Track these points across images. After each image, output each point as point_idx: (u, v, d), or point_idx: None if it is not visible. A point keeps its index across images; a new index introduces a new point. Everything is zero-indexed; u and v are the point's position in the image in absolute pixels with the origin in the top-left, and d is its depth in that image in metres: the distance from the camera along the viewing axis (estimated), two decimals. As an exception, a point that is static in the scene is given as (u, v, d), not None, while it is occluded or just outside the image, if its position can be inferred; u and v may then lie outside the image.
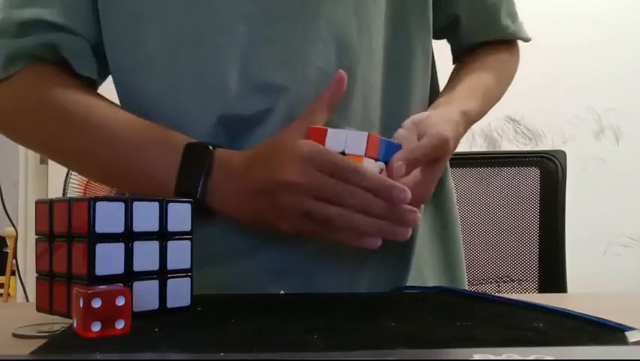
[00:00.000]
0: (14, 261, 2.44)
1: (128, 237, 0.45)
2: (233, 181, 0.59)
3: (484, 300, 0.55)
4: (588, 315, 0.45)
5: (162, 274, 0.47)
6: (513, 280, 1.05)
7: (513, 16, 0.82)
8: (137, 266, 0.45)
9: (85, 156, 0.65)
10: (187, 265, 0.48)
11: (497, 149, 2.46)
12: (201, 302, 0.50)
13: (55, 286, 0.46)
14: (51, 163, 2.69)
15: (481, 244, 1.08)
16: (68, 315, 0.44)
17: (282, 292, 0.63)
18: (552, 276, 1.03)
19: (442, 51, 0.81)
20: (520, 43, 0.87)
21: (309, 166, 0.54)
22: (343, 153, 0.57)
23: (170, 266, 0.47)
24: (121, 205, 0.45)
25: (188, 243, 0.49)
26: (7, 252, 2.91)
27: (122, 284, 0.44)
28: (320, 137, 0.57)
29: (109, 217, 0.44)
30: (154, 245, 0.46)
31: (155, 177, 0.61)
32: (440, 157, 0.63)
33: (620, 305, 0.58)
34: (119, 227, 0.44)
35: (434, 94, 0.75)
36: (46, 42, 0.64)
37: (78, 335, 0.39)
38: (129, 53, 0.66)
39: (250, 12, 0.63)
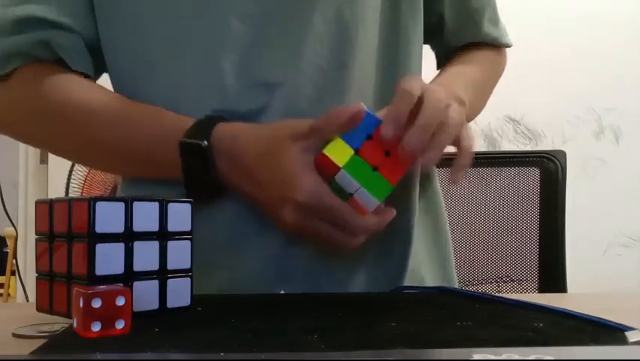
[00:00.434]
0: (14, 261, 2.44)
1: (128, 237, 0.45)
2: (238, 177, 0.60)
3: (484, 300, 0.55)
4: (588, 315, 0.45)
5: (162, 274, 0.47)
6: (513, 280, 1.05)
7: (495, 22, 0.82)
8: (137, 266, 0.45)
9: (86, 143, 0.65)
10: (187, 265, 0.48)
11: (497, 149, 2.46)
12: (201, 302, 0.50)
13: (55, 286, 0.46)
14: (51, 163, 2.69)
15: (481, 244, 1.08)
16: (68, 315, 0.44)
17: (282, 292, 0.63)
18: (552, 276, 1.03)
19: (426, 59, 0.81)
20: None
21: (306, 212, 0.56)
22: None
23: (170, 266, 0.47)
24: (121, 205, 0.45)
25: (188, 243, 0.49)
26: (7, 252, 2.91)
27: (122, 284, 0.44)
28: (330, 168, 0.57)
29: (109, 217, 0.44)
30: (154, 245, 0.46)
31: (158, 169, 0.63)
32: (441, 120, 0.58)
33: (620, 305, 0.58)
34: (119, 227, 0.44)
35: None
36: (40, 39, 0.64)
37: (78, 335, 0.39)
38: (128, 52, 0.66)
39: (249, 11, 0.63)
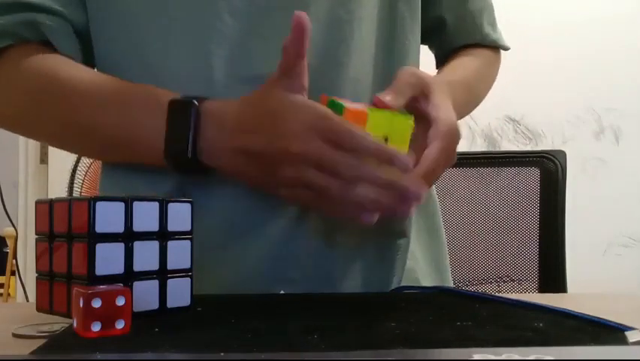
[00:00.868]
0: (14, 261, 2.44)
1: (128, 237, 0.45)
2: (227, 136, 0.57)
3: (484, 300, 0.55)
4: (588, 315, 0.45)
5: (162, 274, 0.47)
6: (513, 280, 1.05)
7: (493, 24, 0.83)
8: (137, 266, 0.45)
9: (70, 127, 0.63)
10: (187, 265, 0.48)
11: (497, 149, 2.46)
12: (201, 302, 0.50)
13: (55, 286, 0.46)
14: (51, 163, 2.69)
15: (481, 244, 1.08)
16: (68, 315, 0.44)
17: (281, 292, 0.63)
18: (552, 276, 1.03)
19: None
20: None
21: (311, 135, 0.53)
22: None
23: (170, 266, 0.47)
24: (121, 205, 0.45)
25: (188, 243, 0.49)
26: (7, 252, 2.91)
27: (122, 284, 0.44)
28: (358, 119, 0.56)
29: (109, 217, 0.44)
30: (154, 245, 0.46)
31: (145, 140, 0.59)
32: (423, 85, 0.61)
33: (620, 305, 0.58)
34: (119, 227, 0.44)
35: None
36: (27, 20, 0.63)
37: (78, 335, 0.39)
38: (117, 45, 0.65)
39: (239, 5, 0.63)
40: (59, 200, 0.46)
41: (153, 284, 0.46)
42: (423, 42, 0.78)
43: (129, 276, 0.45)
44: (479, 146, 2.46)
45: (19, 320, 0.45)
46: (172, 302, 0.47)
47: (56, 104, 0.63)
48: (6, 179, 2.23)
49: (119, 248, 0.44)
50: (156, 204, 0.47)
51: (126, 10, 0.64)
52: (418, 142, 0.60)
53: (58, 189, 2.47)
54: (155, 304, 0.46)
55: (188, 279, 0.48)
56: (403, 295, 0.64)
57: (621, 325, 0.42)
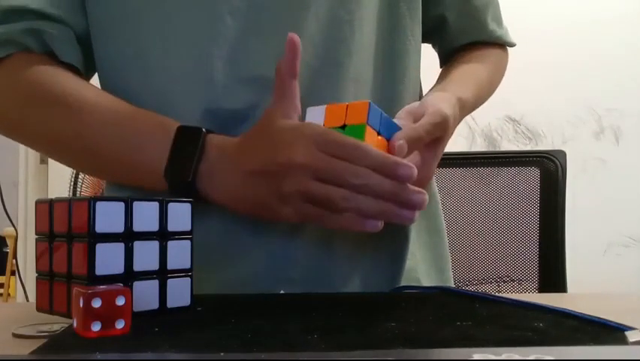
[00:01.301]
0: (14, 261, 2.44)
1: (128, 237, 0.45)
2: (228, 162, 0.57)
3: (484, 300, 0.55)
4: (588, 315, 0.45)
5: (162, 274, 0.47)
6: (513, 280, 1.05)
7: (499, 20, 0.83)
8: (137, 266, 0.45)
9: (72, 142, 0.62)
10: (187, 265, 0.48)
11: (497, 149, 2.46)
12: (201, 302, 0.50)
13: (55, 286, 0.46)
14: (51, 163, 2.69)
15: (481, 244, 1.08)
16: (68, 315, 0.44)
17: (281, 292, 0.63)
18: (552, 276, 1.03)
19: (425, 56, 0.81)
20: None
21: (312, 147, 0.53)
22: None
23: (170, 266, 0.47)
24: (121, 205, 0.45)
25: (188, 243, 0.49)
26: (7, 252, 2.91)
27: (122, 284, 0.44)
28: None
29: (109, 217, 0.44)
30: (154, 245, 0.46)
31: (145, 162, 0.59)
32: (441, 135, 0.62)
33: (620, 305, 0.58)
34: (119, 227, 0.44)
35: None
36: (30, 28, 0.63)
37: (78, 335, 0.39)
38: (117, 46, 0.65)
39: (239, 5, 0.63)
40: (59, 200, 0.46)
41: (153, 284, 0.46)
42: (426, 41, 0.78)
43: (129, 276, 0.45)
44: (479, 146, 2.46)
45: (19, 320, 0.45)
46: (172, 302, 0.47)
47: (59, 119, 0.62)
48: (6, 179, 2.23)
49: (119, 248, 0.44)
50: (156, 204, 0.47)
51: (125, 14, 0.64)
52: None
53: (58, 189, 2.47)
54: (155, 304, 0.46)
55: (188, 279, 0.48)
56: (403, 295, 0.63)
57: (621, 325, 0.42)
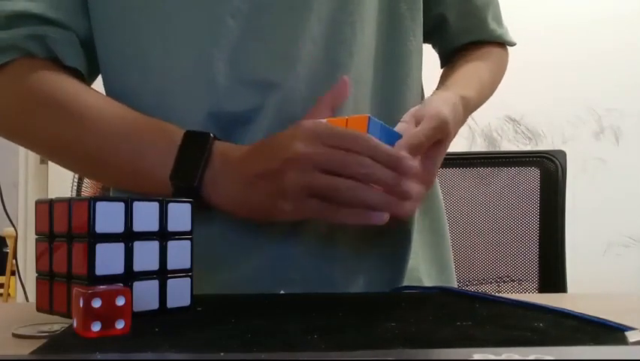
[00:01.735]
0: (14, 261, 2.44)
1: (128, 237, 0.45)
2: (232, 169, 0.57)
3: (484, 300, 0.55)
4: (588, 315, 0.45)
5: (162, 274, 0.47)
6: (513, 280, 1.05)
7: (499, 19, 0.83)
8: (137, 266, 0.45)
9: (74, 148, 0.62)
10: (187, 265, 0.48)
11: (497, 149, 2.46)
12: (201, 302, 0.50)
13: (55, 286, 0.46)
14: (51, 163, 2.68)
15: (481, 244, 1.08)
16: (68, 315, 0.44)
17: (281, 292, 0.63)
18: (552, 276, 1.03)
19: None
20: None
21: (314, 139, 0.53)
22: None
23: (170, 266, 0.47)
24: (121, 205, 0.45)
25: (188, 243, 0.49)
26: (7, 252, 2.90)
27: (122, 284, 0.44)
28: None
29: (109, 217, 0.44)
30: (154, 245, 0.46)
31: (148, 169, 0.59)
32: (442, 138, 0.63)
33: (620, 305, 0.58)
34: (119, 227, 0.44)
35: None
36: (33, 33, 0.63)
37: (78, 335, 0.39)
38: (119, 49, 0.65)
39: (240, 7, 0.63)
40: (59, 200, 0.46)
41: (153, 284, 0.46)
42: (426, 41, 0.78)
43: (129, 276, 0.45)
44: (479, 146, 2.46)
45: (19, 320, 0.45)
46: (172, 302, 0.47)
47: (61, 125, 0.62)
48: (6, 179, 2.23)
49: (119, 248, 0.44)
50: (156, 205, 0.47)
51: (126, 14, 0.64)
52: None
53: (58, 189, 2.47)
54: (155, 304, 0.46)
55: (188, 279, 0.48)
56: (403, 295, 0.63)
57: (621, 325, 0.42)
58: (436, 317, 0.47)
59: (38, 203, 0.48)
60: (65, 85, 0.63)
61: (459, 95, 0.67)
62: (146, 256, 0.46)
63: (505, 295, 0.55)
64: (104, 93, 0.67)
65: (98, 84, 0.68)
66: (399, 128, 0.63)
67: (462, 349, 0.36)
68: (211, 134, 0.59)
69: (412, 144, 0.58)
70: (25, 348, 0.37)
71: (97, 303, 0.39)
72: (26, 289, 2.30)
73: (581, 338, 0.40)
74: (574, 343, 0.39)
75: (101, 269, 0.43)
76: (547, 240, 1.04)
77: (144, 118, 0.62)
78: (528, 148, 2.45)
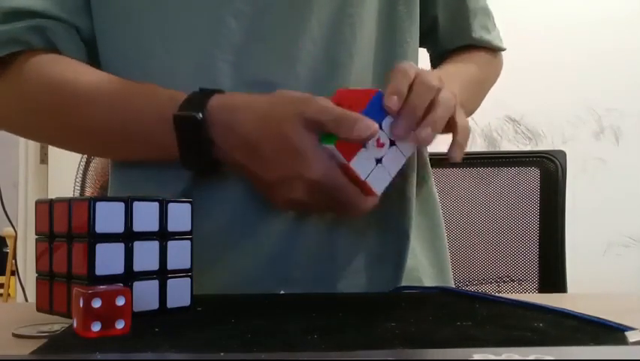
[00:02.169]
0: (14, 261, 2.44)
1: (128, 237, 0.45)
2: (236, 135, 0.56)
3: (484, 300, 0.55)
4: (588, 315, 0.45)
5: (162, 274, 0.47)
6: (513, 280, 1.05)
7: (487, 25, 0.82)
8: (137, 266, 0.45)
9: (80, 129, 0.63)
10: (187, 265, 0.48)
11: (497, 149, 2.46)
12: (201, 302, 0.50)
13: (55, 286, 0.46)
14: (51, 163, 2.69)
15: (481, 244, 1.08)
16: (68, 315, 0.44)
17: (282, 292, 0.63)
18: (552, 276, 1.03)
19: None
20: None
21: (316, 189, 0.54)
22: None
23: (170, 266, 0.47)
24: (121, 205, 0.45)
25: (188, 243, 0.49)
26: (7, 252, 2.91)
27: (122, 284, 0.44)
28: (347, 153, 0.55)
29: (109, 217, 0.44)
30: (154, 245, 0.46)
31: (152, 118, 0.59)
32: (433, 96, 0.58)
33: (620, 305, 0.58)
34: (119, 227, 0.44)
35: None
36: (33, 25, 0.63)
37: (78, 335, 0.39)
38: (121, 49, 0.65)
39: (242, 8, 0.63)
40: (59, 200, 0.46)
41: (153, 284, 0.46)
42: (420, 45, 0.78)
43: (129, 276, 0.45)
44: (479, 146, 2.46)
45: (19, 320, 0.45)
46: (172, 302, 0.47)
47: (66, 107, 0.62)
48: (6, 179, 2.23)
49: (119, 248, 0.44)
50: (156, 205, 0.47)
51: (128, 15, 0.64)
52: None
53: (58, 189, 2.47)
54: (155, 304, 0.46)
55: (188, 279, 0.48)
56: (403, 295, 0.64)
57: (621, 325, 0.42)
58: (436, 317, 0.47)
59: (38, 203, 0.48)
60: (63, 67, 0.63)
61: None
62: (146, 256, 0.46)
63: (505, 295, 0.55)
64: None
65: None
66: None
67: (462, 349, 0.36)
68: (198, 115, 0.57)
69: (398, 90, 0.55)
70: (25, 348, 0.37)
71: (97, 303, 0.39)
72: (25, 290, 2.31)
73: (581, 338, 0.40)
74: (574, 343, 0.39)
75: (101, 269, 0.43)
76: (547, 240, 1.04)
77: (145, 84, 0.62)
78: (528, 148, 2.45)
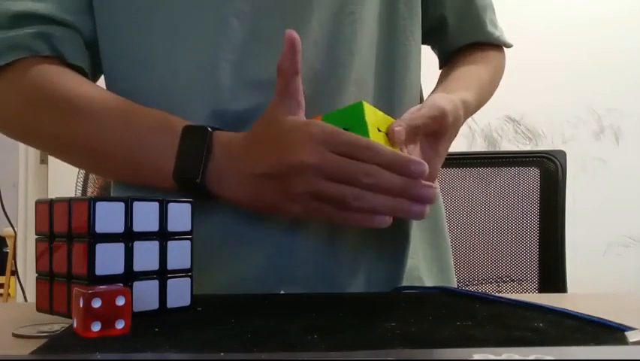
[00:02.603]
0: (14, 261, 2.44)
1: (128, 237, 0.45)
2: (236, 165, 0.57)
3: (484, 300, 0.55)
4: (588, 315, 0.45)
5: (162, 274, 0.47)
6: (513, 280, 1.05)
7: (495, 22, 0.83)
8: (137, 266, 0.45)
9: (79, 143, 0.62)
10: (187, 265, 0.48)
11: (497, 149, 2.46)
12: (201, 302, 0.50)
13: (55, 286, 0.46)
14: (51, 163, 2.69)
15: (481, 244, 1.08)
16: (68, 315, 0.44)
17: (282, 292, 0.63)
18: (552, 276, 1.03)
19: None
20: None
21: (322, 147, 0.53)
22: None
23: (170, 266, 0.47)
24: (121, 205, 0.45)
25: (188, 243, 0.49)
26: (7, 252, 2.91)
27: (122, 284, 0.44)
28: None
29: (109, 217, 0.44)
30: (154, 245, 0.46)
31: (153, 163, 0.59)
32: (440, 129, 0.62)
33: (620, 305, 0.58)
34: (119, 227, 0.44)
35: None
36: (38, 32, 0.63)
37: (78, 335, 0.39)
38: (123, 48, 0.65)
39: (244, 8, 0.63)
40: (59, 200, 0.46)
41: (153, 284, 0.46)
42: (425, 42, 0.78)
43: (129, 276, 0.45)
44: (479, 146, 2.46)
45: (19, 320, 0.45)
46: (172, 302, 0.47)
47: (68, 122, 0.62)
48: (6, 179, 2.23)
49: (119, 248, 0.44)
50: (156, 205, 0.47)
51: (131, 17, 0.64)
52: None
53: (58, 189, 2.47)
54: (155, 304, 0.46)
55: (188, 279, 0.48)
56: (403, 295, 0.63)
57: (621, 325, 0.42)
58: (436, 317, 0.47)
59: (38, 203, 0.48)
60: (71, 82, 0.63)
61: (459, 98, 0.67)
62: (146, 256, 0.46)
63: (505, 295, 0.55)
64: None
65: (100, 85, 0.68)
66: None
67: (462, 349, 0.36)
68: (209, 128, 0.59)
69: (409, 126, 0.58)
70: (25, 348, 0.37)
71: (97, 303, 0.39)
72: (25, 291, 2.30)
73: (581, 338, 0.40)
74: (574, 343, 0.39)
75: (101, 269, 0.43)
76: (547, 240, 1.04)
77: (145, 110, 0.62)
78: (528, 148, 2.45)
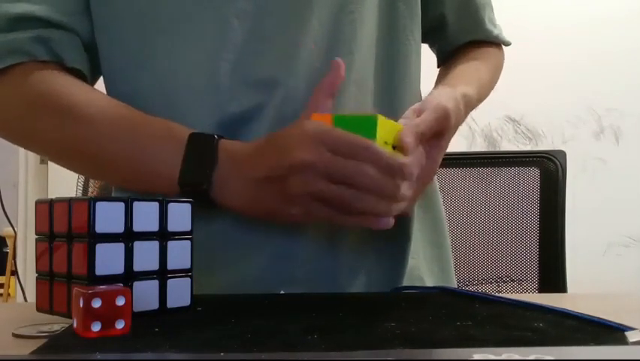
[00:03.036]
0: (14, 261, 2.44)
1: (128, 237, 0.45)
2: (239, 170, 0.57)
3: (484, 300, 0.55)
4: (588, 315, 0.45)
5: (162, 274, 0.47)
6: (513, 280, 1.05)
7: (494, 20, 0.84)
8: (137, 266, 0.45)
9: (80, 149, 0.62)
10: (187, 265, 0.48)
11: (497, 149, 2.46)
12: (201, 302, 0.50)
13: (55, 286, 0.46)
14: (51, 163, 2.69)
15: (481, 244, 1.08)
16: (68, 315, 0.44)
17: (282, 292, 0.63)
18: (552, 276, 1.03)
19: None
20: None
21: (319, 146, 0.53)
22: None
23: (170, 266, 0.47)
24: (121, 205, 0.45)
25: (188, 243, 0.49)
26: (7, 252, 2.91)
27: (122, 284, 0.44)
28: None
29: (109, 217, 0.44)
30: (154, 245, 0.46)
31: (157, 170, 0.59)
32: (443, 130, 0.63)
33: (620, 305, 0.58)
34: (119, 227, 0.44)
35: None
36: (38, 36, 0.63)
37: (78, 335, 0.39)
38: (122, 49, 0.65)
39: (245, 8, 0.63)
40: (59, 200, 0.46)
41: (153, 284, 0.46)
42: (424, 41, 0.78)
43: (129, 276, 0.45)
44: (479, 146, 2.46)
45: (19, 320, 0.45)
46: (172, 302, 0.47)
47: (69, 128, 0.62)
48: (6, 179, 2.23)
49: (119, 248, 0.44)
50: (156, 205, 0.47)
51: (131, 17, 0.64)
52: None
53: (58, 190, 2.47)
54: (155, 304, 0.46)
55: (188, 279, 0.48)
56: (403, 295, 0.63)
57: (621, 325, 0.42)
58: (436, 317, 0.47)
59: (38, 203, 0.48)
60: (70, 87, 0.63)
61: (460, 92, 0.67)
62: (146, 256, 0.46)
63: (505, 295, 0.55)
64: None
65: (100, 87, 0.68)
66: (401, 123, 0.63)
67: (462, 349, 0.36)
68: (215, 136, 0.59)
69: (414, 133, 0.58)
70: (25, 348, 0.37)
71: (97, 303, 0.39)
72: (25, 291, 2.30)
73: (581, 338, 0.40)
74: (574, 343, 0.39)
75: (101, 269, 0.43)
76: (547, 240, 1.04)
77: (148, 118, 0.62)
78: (528, 148, 2.45)
